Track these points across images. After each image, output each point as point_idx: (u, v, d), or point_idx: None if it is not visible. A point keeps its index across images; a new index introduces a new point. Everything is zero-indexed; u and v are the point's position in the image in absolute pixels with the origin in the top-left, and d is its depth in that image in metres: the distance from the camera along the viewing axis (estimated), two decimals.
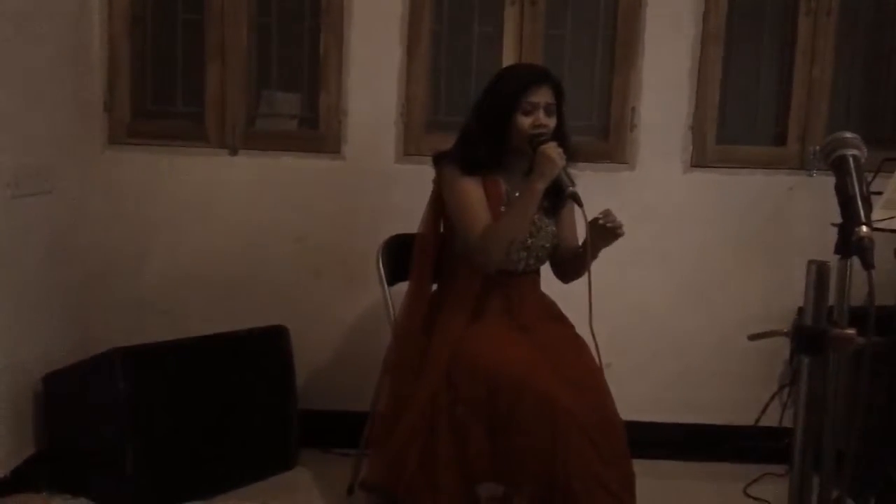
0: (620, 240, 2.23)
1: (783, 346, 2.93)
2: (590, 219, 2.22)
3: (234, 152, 3.16)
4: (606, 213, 2.21)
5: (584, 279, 2.23)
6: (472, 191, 2.30)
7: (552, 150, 2.19)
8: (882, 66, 3.33)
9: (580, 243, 2.36)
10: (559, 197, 2.33)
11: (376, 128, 3.14)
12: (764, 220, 3.19)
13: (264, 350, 2.93)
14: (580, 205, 2.19)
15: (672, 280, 3.21)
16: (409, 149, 3.15)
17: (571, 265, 2.42)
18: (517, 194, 2.32)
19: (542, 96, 2.27)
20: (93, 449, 2.64)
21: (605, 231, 2.21)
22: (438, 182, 2.36)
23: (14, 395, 2.62)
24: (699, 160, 3.18)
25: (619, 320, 3.04)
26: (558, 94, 2.31)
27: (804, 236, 3.07)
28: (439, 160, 2.37)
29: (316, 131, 3.18)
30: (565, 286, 2.47)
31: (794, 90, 3.18)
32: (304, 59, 3.23)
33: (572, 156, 2.30)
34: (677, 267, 3.20)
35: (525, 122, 2.26)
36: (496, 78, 2.39)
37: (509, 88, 2.29)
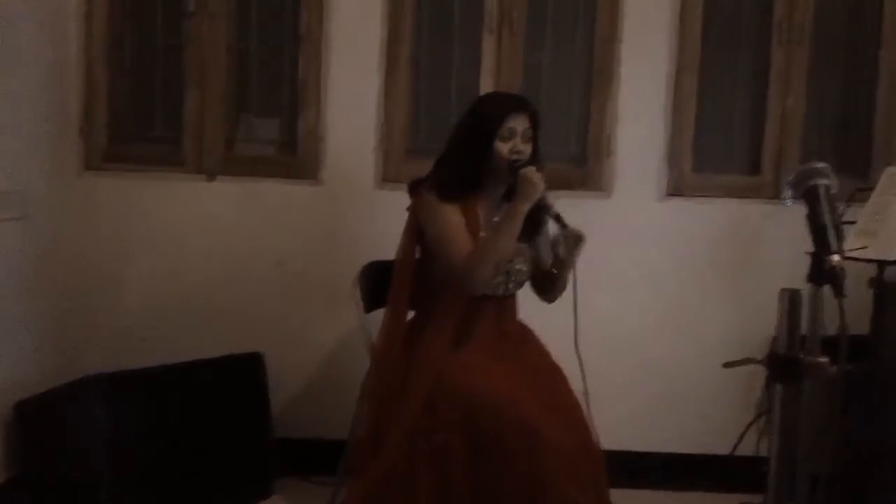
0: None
1: (761, 372, 2.95)
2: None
3: (212, 177, 3.15)
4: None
5: (568, 305, 2.23)
6: (452, 217, 2.30)
7: (533, 173, 2.23)
8: (855, 95, 3.37)
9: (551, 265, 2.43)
10: (536, 222, 2.36)
11: (355, 153, 3.15)
12: (739, 248, 3.21)
13: (239, 377, 2.91)
14: (564, 226, 2.24)
15: (648, 308, 3.22)
16: (388, 174, 3.16)
17: (550, 284, 2.45)
18: (495, 219, 2.33)
19: (521, 123, 2.30)
20: (67, 477, 2.60)
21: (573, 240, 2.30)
22: (415, 209, 2.37)
23: None
24: (675, 188, 3.21)
25: (595, 347, 3.02)
26: (534, 122, 2.34)
27: (779, 264, 3.08)
28: (415, 188, 2.38)
29: (294, 156, 3.18)
30: (544, 311, 2.48)
31: (768, 119, 3.22)
32: (284, 84, 3.23)
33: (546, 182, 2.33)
34: (653, 295, 3.22)
35: (503, 147, 2.29)
36: (475, 105, 2.41)
37: (489, 114, 2.32)
